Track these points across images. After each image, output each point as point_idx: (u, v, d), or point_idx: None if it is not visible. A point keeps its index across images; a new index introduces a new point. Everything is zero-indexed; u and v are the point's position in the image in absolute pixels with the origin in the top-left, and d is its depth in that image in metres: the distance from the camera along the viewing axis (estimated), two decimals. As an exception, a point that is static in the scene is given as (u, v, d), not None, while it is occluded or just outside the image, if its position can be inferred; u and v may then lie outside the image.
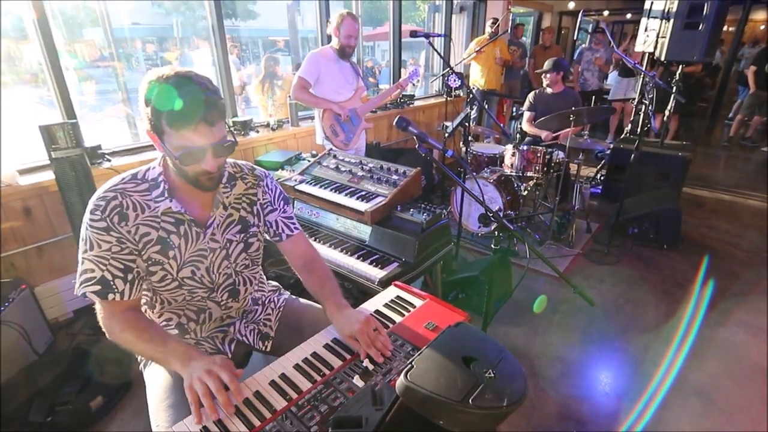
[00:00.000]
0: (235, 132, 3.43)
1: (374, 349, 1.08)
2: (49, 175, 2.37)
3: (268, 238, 1.41)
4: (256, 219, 1.33)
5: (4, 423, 1.75)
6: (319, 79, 2.95)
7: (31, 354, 2.12)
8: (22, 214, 2.38)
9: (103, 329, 1.13)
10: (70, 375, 2.03)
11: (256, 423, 0.93)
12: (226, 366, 1.01)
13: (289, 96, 3.82)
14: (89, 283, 1.08)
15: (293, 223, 1.42)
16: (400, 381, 0.59)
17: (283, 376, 1.07)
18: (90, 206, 1.09)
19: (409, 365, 0.61)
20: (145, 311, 1.31)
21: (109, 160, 2.69)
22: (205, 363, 1.00)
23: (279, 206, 1.38)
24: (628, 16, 10.58)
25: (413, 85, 3.46)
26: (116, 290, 1.10)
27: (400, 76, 5.04)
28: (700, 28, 3.51)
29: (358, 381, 1.02)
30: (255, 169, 1.35)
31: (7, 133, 2.44)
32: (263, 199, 1.33)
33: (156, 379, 1.21)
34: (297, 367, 1.10)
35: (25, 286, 2.21)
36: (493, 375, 0.60)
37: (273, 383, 1.04)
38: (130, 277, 1.12)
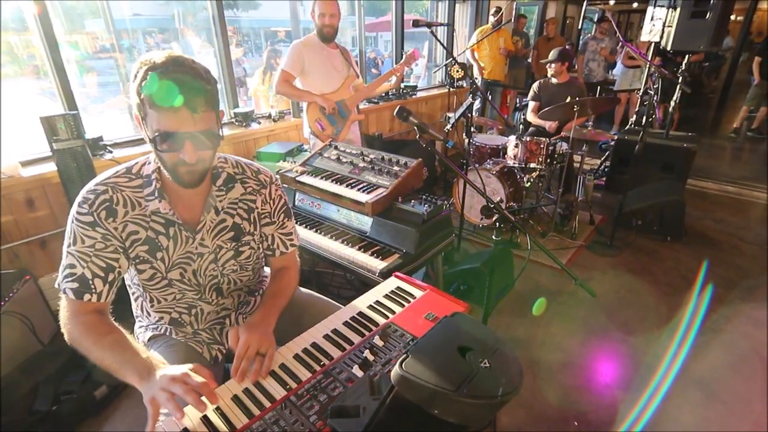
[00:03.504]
0: (236, 123, 3.43)
1: (239, 361, 1.03)
2: (51, 167, 2.38)
3: (260, 248, 1.34)
4: (252, 227, 1.25)
5: (9, 411, 1.78)
6: (304, 70, 2.81)
7: (36, 344, 2.14)
8: (25, 206, 2.39)
9: (63, 330, 1.07)
10: (75, 365, 2.05)
11: (256, 412, 0.94)
12: (195, 372, 0.94)
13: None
14: (69, 279, 1.05)
15: (290, 240, 1.36)
16: (395, 371, 0.59)
17: (283, 366, 1.07)
18: (78, 198, 1.05)
19: (405, 355, 0.61)
20: (140, 305, 1.30)
21: (111, 152, 2.70)
22: (168, 373, 0.92)
23: (278, 220, 1.31)
24: (635, 5, 10.43)
25: (410, 68, 3.26)
26: (94, 291, 1.06)
27: (402, 67, 5.00)
28: (707, 17, 3.45)
29: (357, 371, 1.02)
30: (260, 173, 1.27)
31: (10, 125, 2.45)
32: (261, 209, 1.26)
33: None
34: (297, 357, 1.11)
35: (29, 277, 2.22)
36: (488, 365, 0.60)
37: (272, 373, 1.05)
38: (110, 277, 1.08)
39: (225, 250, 1.22)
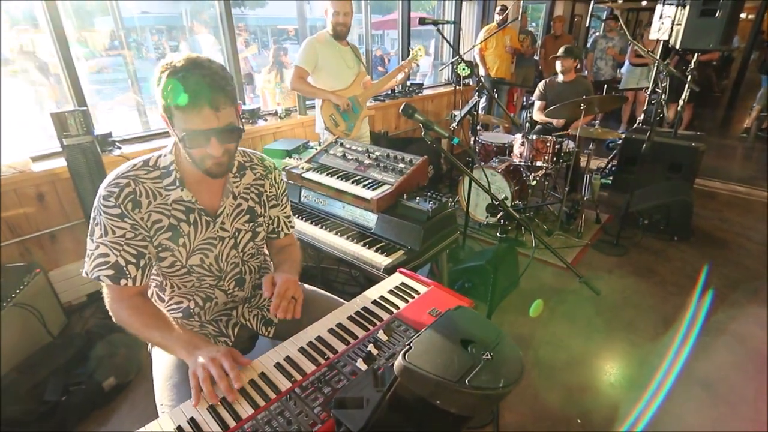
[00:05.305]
0: (243, 120, 3.45)
1: (279, 300, 1.16)
2: (61, 162, 2.41)
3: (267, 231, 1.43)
4: (263, 209, 1.35)
5: (20, 401, 1.81)
6: (317, 66, 2.84)
7: (46, 336, 2.18)
8: (35, 201, 2.43)
9: (110, 312, 1.16)
10: (84, 356, 2.09)
11: (261, 403, 0.95)
12: (228, 354, 1.03)
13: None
14: (103, 267, 1.10)
15: (290, 222, 1.48)
16: (398, 361, 0.61)
17: (288, 359, 1.09)
18: (102, 192, 1.09)
19: (408, 346, 0.62)
20: (153, 294, 1.34)
21: (119, 148, 2.73)
22: (209, 351, 1.03)
23: (282, 202, 1.42)
24: (644, 2, 10.32)
25: (417, 66, 3.23)
26: (129, 276, 1.12)
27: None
28: (716, 15, 3.42)
29: (361, 364, 1.03)
30: (264, 160, 1.37)
31: (21, 121, 2.48)
32: (269, 192, 1.36)
33: (162, 358, 1.25)
34: (302, 350, 1.12)
35: (39, 270, 2.26)
36: (490, 357, 0.61)
37: (278, 365, 1.07)
38: (142, 263, 1.14)
39: (243, 231, 1.31)
